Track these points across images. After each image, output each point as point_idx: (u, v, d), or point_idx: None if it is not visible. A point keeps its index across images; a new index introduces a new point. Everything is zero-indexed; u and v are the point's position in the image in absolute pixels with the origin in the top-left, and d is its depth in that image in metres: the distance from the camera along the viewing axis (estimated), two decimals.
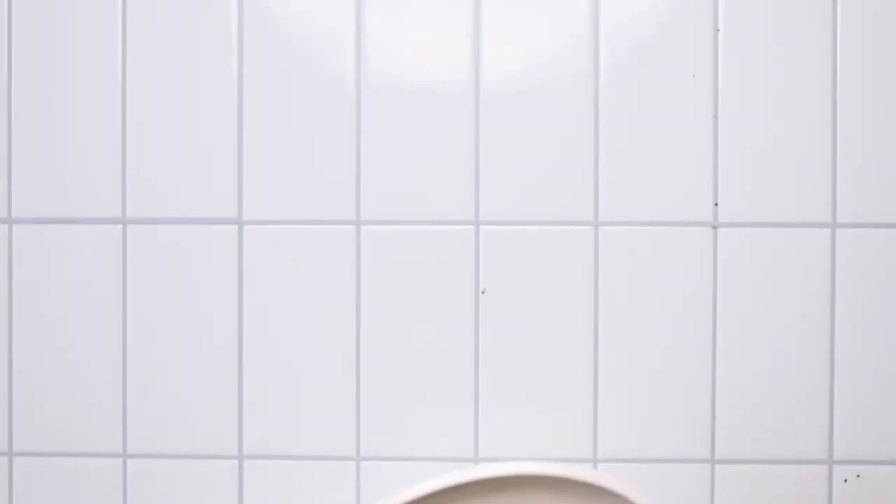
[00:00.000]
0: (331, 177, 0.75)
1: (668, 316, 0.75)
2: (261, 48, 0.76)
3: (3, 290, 0.77)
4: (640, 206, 0.75)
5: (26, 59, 0.77)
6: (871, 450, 0.75)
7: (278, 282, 0.76)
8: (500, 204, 0.75)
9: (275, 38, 0.76)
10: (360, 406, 0.76)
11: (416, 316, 0.75)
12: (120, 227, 0.76)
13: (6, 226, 0.77)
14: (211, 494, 0.76)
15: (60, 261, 0.77)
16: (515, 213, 0.75)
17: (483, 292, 0.75)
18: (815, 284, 0.75)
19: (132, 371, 0.76)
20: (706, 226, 0.75)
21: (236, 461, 0.76)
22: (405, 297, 0.75)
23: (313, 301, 0.76)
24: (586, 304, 0.75)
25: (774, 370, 0.75)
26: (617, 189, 0.75)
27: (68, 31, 0.76)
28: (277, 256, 0.76)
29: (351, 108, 0.75)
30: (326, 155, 0.75)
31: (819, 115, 0.74)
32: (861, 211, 0.75)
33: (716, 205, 0.75)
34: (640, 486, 0.75)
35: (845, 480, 0.75)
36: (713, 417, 0.76)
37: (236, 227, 0.76)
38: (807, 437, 0.75)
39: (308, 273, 0.76)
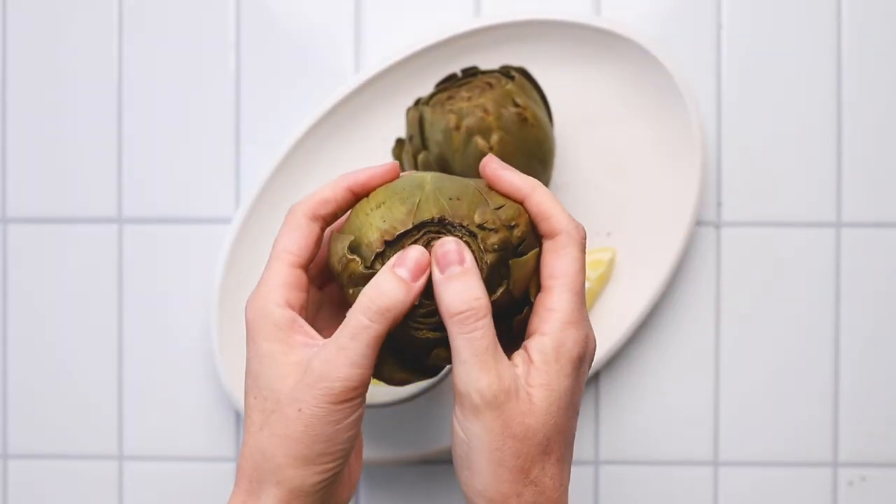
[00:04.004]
0: None
1: None
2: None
3: None
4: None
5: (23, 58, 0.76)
6: (876, 452, 0.74)
7: None
8: None
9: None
10: None
11: None
12: (116, 226, 0.76)
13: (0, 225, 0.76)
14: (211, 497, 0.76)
15: (56, 260, 0.76)
16: None
17: None
18: (825, 282, 0.75)
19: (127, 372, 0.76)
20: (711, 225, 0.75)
21: (233, 464, 0.76)
22: None
23: None
24: None
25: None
26: None
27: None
28: None
29: None
30: None
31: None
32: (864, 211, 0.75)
33: (719, 204, 0.75)
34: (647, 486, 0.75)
35: (850, 483, 0.75)
36: (716, 419, 0.75)
37: None
38: (811, 440, 0.75)
39: None
